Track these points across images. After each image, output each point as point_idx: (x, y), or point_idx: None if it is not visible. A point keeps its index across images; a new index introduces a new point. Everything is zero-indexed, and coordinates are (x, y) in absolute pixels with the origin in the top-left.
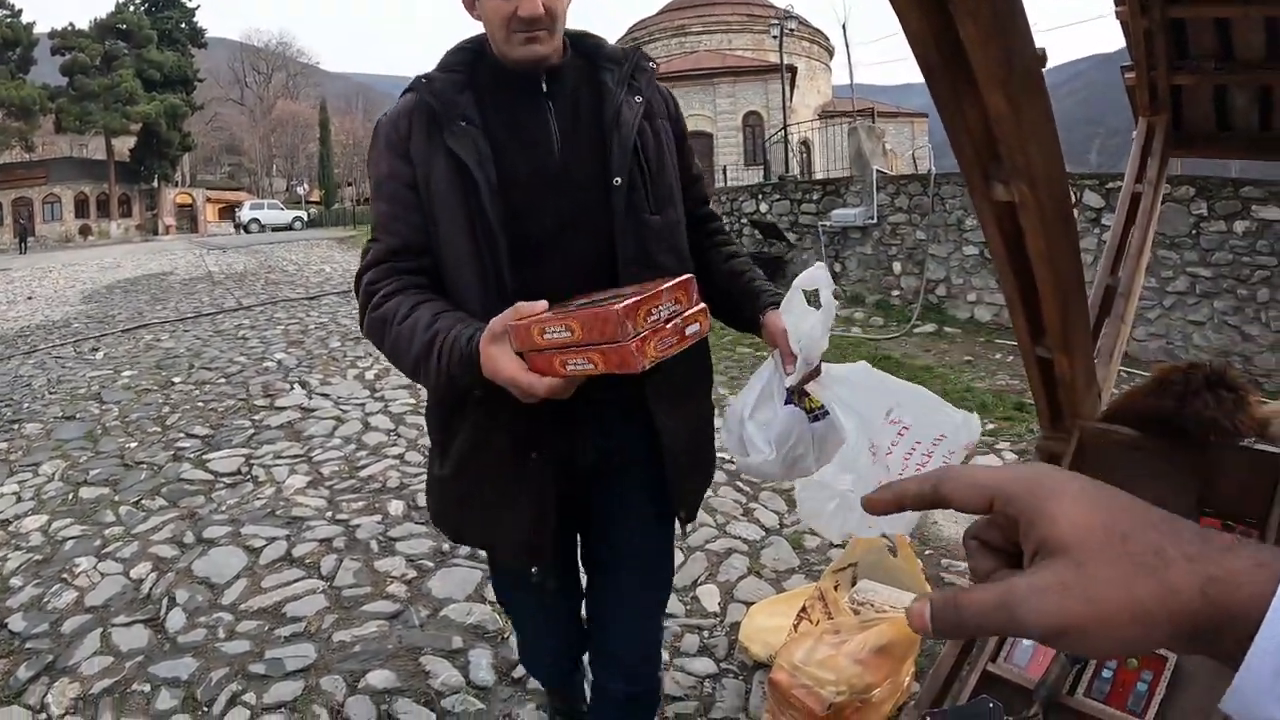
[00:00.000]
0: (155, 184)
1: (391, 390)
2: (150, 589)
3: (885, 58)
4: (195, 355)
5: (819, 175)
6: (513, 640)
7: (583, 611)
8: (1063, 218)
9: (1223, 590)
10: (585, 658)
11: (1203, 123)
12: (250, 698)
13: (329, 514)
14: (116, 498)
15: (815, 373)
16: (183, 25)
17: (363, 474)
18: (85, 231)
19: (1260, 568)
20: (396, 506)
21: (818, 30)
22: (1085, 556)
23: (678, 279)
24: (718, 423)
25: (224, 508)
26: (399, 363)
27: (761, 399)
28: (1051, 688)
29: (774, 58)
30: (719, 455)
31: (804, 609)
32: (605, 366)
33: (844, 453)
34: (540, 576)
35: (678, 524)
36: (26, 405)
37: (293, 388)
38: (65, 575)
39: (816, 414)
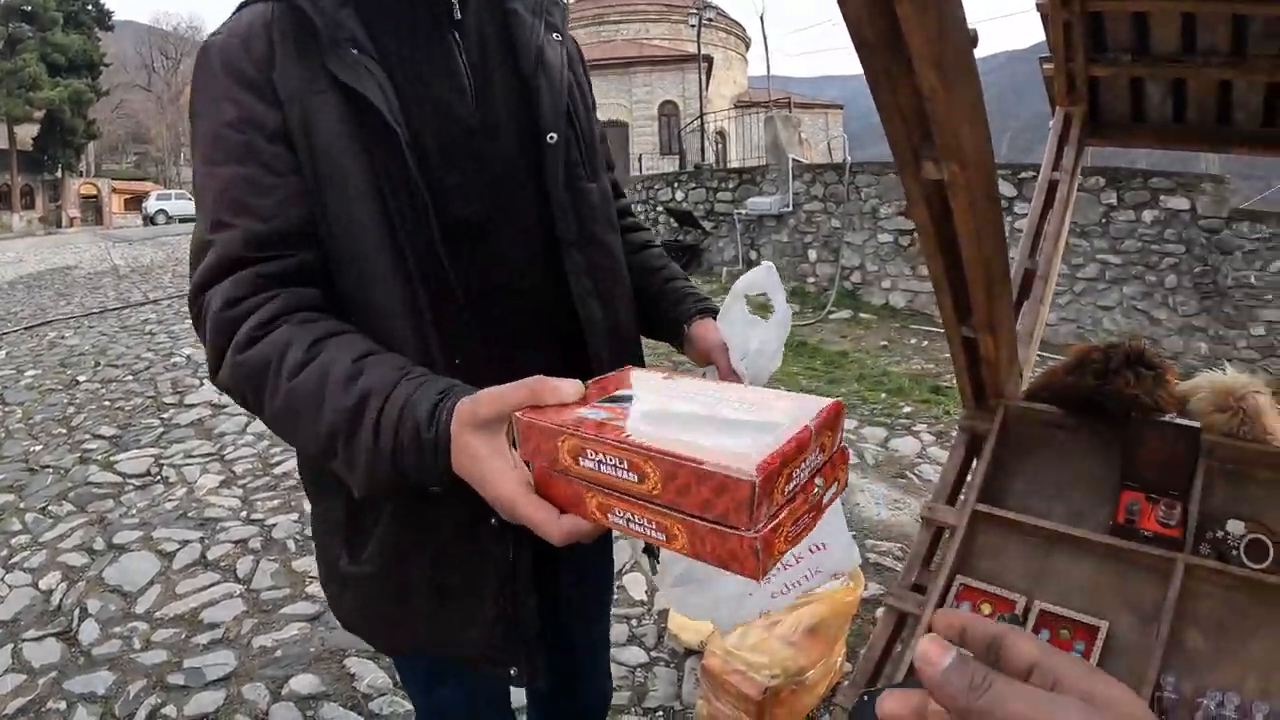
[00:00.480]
0: (59, 174)
1: None
2: (61, 600)
3: (803, 49)
4: (101, 352)
5: (734, 164)
6: None
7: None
8: (990, 198)
9: None
10: None
11: (1118, 113)
12: (171, 710)
13: (243, 514)
14: (22, 504)
15: None
16: (89, 7)
17: (277, 471)
18: None
19: None
20: None
21: (735, 21)
22: None
23: (827, 403)
24: None
25: (134, 511)
26: (292, 434)
27: None
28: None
29: (691, 47)
30: None
31: None
32: (692, 550)
33: None
34: (524, 676)
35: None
36: None
37: (202, 384)
38: None
39: None
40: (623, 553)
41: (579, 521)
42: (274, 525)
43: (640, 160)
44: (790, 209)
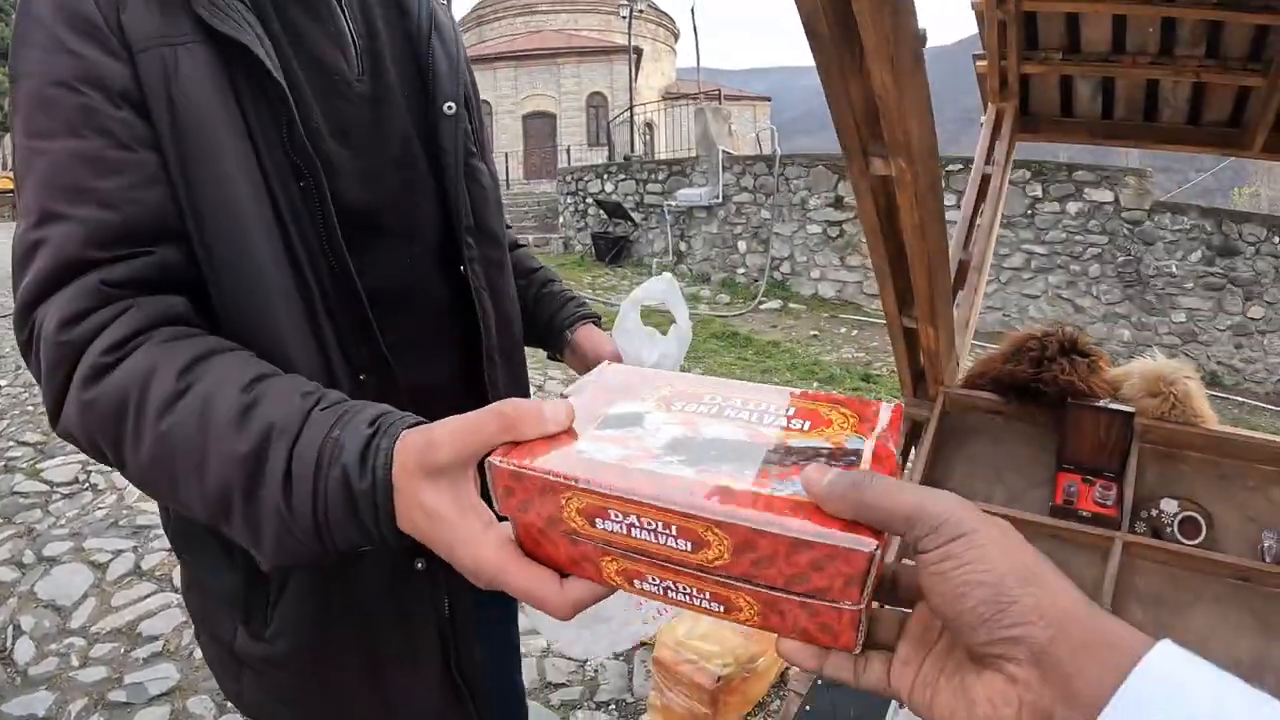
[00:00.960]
0: None
1: None
2: None
3: (731, 42)
4: (21, 355)
5: (663, 156)
6: None
7: None
8: (934, 193)
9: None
10: None
11: (1048, 109)
12: None
13: None
14: None
15: None
16: None
17: None
18: None
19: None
20: None
21: (664, 13)
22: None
23: (889, 410)
24: None
25: (64, 520)
26: (169, 493)
27: None
28: None
29: (620, 39)
30: None
31: None
32: (762, 623)
33: None
34: None
35: None
36: None
37: None
38: None
39: None
40: None
41: (590, 588)
42: None
43: (569, 152)
44: (720, 200)
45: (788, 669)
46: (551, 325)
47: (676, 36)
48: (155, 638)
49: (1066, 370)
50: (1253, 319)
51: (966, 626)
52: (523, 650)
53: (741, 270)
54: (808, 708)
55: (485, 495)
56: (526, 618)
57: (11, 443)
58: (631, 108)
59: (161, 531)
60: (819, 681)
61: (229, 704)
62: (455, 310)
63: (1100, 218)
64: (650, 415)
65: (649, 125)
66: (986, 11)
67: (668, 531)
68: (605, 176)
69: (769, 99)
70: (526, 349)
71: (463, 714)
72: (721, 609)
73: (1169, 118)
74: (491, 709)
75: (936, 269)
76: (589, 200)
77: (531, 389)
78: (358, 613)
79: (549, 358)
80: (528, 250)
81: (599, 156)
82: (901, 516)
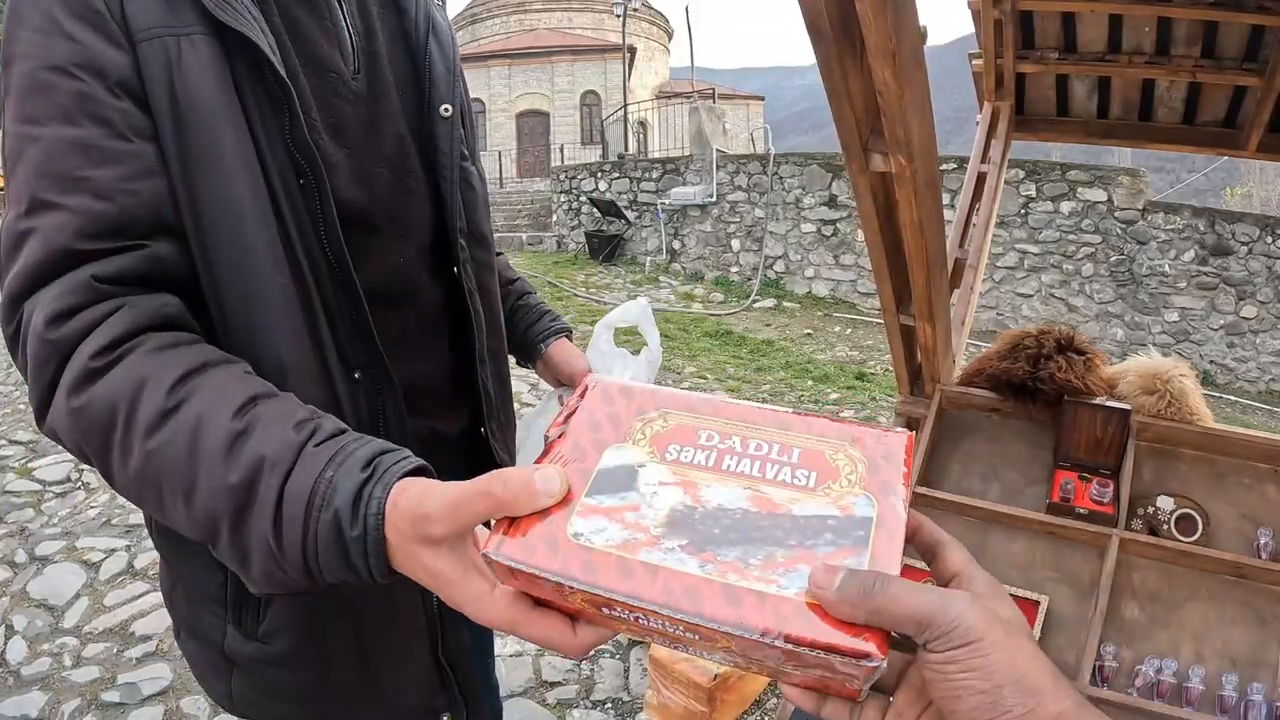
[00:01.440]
0: None
1: None
2: None
3: (725, 41)
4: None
5: (656, 155)
6: None
7: None
8: (933, 190)
9: None
10: None
11: (1044, 108)
12: None
13: None
14: None
15: None
16: None
17: None
18: None
19: None
20: None
21: (658, 12)
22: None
23: (901, 446)
24: None
25: (56, 520)
26: (155, 508)
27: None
28: None
29: (614, 37)
30: None
31: None
32: (774, 678)
33: None
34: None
35: None
36: None
37: None
38: None
39: None
40: None
41: (599, 632)
42: None
43: (563, 150)
44: (714, 199)
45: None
46: (527, 337)
47: (670, 35)
48: (148, 637)
49: (1063, 368)
50: (1245, 318)
51: None
52: (518, 649)
53: (735, 269)
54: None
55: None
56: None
57: (3, 441)
58: (625, 106)
59: None
60: None
61: None
62: (446, 311)
63: (1094, 217)
64: (644, 470)
65: (643, 124)
66: (983, 11)
67: (677, 629)
68: (599, 175)
69: (762, 98)
70: None
71: (449, 697)
72: (733, 664)
73: (1164, 117)
74: (475, 690)
75: (934, 266)
76: (583, 199)
77: (525, 387)
78: (349, 607)
79: (517, 363)
80: (504, 259)
81: (593, 155)
82: (913, 623)
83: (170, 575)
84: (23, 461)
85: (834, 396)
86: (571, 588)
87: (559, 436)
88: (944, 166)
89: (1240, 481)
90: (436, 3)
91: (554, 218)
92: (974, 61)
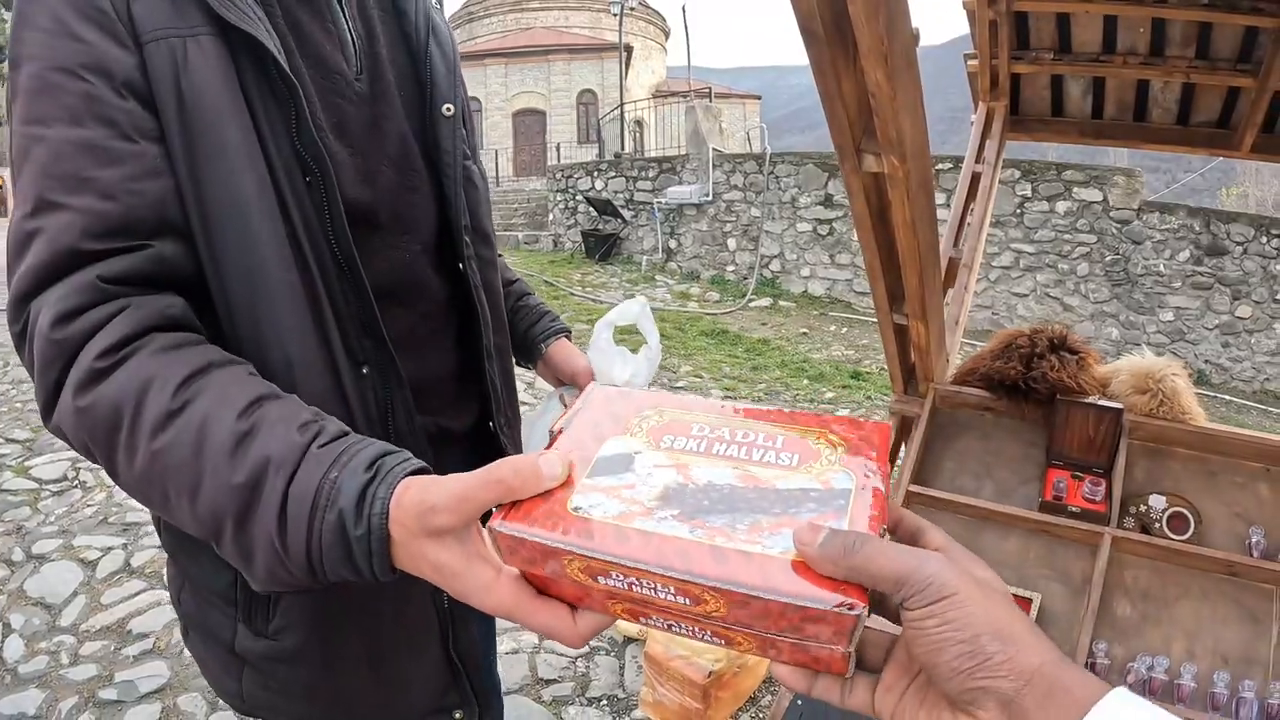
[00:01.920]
0: None
1: None
2: None
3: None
4: (10, 352)
5: (653, 154)
6: None
7: None
8: (925, 190)
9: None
10: None
11: (1038, 109)
12: None
13: None
14: None
15: None
16: None
17: None
18: None
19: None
20: None
21: (655, 11)
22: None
23: (879, 434)
24: None
25: (53, 518)
26: (160, 506)
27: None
28: None
29: (611, 36)
30: None
31: None
32: (760, 654)
33: None
34: (468, 716)
35: None
36: None
37: None
38: None
39: None
40: None
41: (599, 620)
42: None
43: (559, 149)
44: (710, 198)
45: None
46: (528, 337)
47: (667, 34)
48: (145, 635)
49: (1056, 367)
50: (1240, 318)
51: (943, 676)
52: (514, 646)
53: (731, 268)
54: (799, 702)
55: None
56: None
57: (0, 440)
58: (622, 105)
59: (151, 528)
60: None
61: (220, 702)
62: (451, 308)
63: (1089, 217)
64: (641, 456)
65: (639, 123)
66: (978, 11)
67: (667, 590)
68: (595, 174)
69: (759, 97)
70: None
71: (461, 695)
72: (722, 643)
73: (1159, 118)
74: (484, 685)
75: (927, 266)
76: (579, 197)
77: (521, 386)
78: (360, 603)
79: (516, 363)
80: (503, 260)
81: (589, 154)
82: (891, 579)
83: (179, 574)
84: (19, 460)
85: (829, 395)
86: (571, 553)
87: (560, 431)
88: (939, 166)
89: (1232, 480)
90: (434, 4)
91: (550, 217)
92: (969, 62)
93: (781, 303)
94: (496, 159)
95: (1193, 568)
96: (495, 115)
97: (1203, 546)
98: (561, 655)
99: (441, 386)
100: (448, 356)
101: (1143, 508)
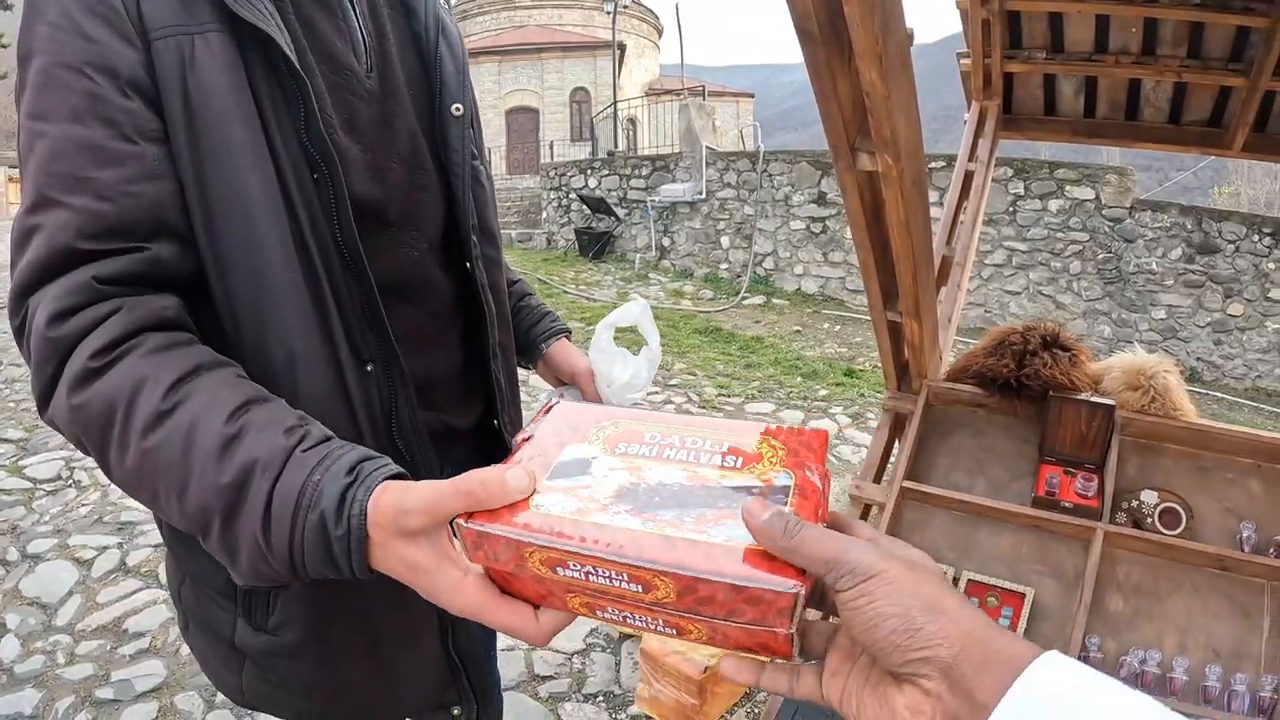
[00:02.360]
0: None
1: None
2: None
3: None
4: (3, 350)
5: (646, 152)
6: None
7: None
8: (919, 189)
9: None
10: None
11: (1031, 107)
12: None
13: None
14: None
15: None
16: None
17: None
18: None
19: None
20: None
21: (648, 9)
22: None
23: (817, 440)
24: None
25: (47, 518)
26: (149, 501)
27: None
28: None
29: (604, 34)
30: None
31: None
32: (710, 642)
33: None
34: (469, 714)
35: None
36: None
37: None
38: None
39: None
40: None
41: (560, 617)
42: None
43: (552, 147)
44: (704, 196)
45: (773, 659)
46: (528, 337)
47: (660, 32)
48: (142, 634)
49: (1048, 364)
50: (1232, 316)
51: (882, 651)
52: (511, 643)
53: (725, 266)
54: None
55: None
56: None
57: None
58: (615, 103)
59: (146, 527)
60: None
61: (217, 699)
62: (457, 306)
63: (1081, 215)
64: (597, 460)
65: (632, 121)
66: (970, 10)
67: (620, 577)
68: (589, 172)
69: (752, 95)
70: None
71: (459, 691)
72: (674, 632)
73: (1150, 117)
74: (485, 685)
75: (921, 264)
76: (572, 196)
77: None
78: (359, 598)
79: (518, 365)
80: (506, 261)
81: (582, 152)
82: (822, 560)
83: (178, 570)
84: (13, 460)
85: (823, 393)
86: (531, 545)
87: (525, 440)
88: (932, 165)
89: (1224, 476)
90: (444, 5)
91: (543, 215)
92: (962, 61)
93: (775, 300)
94: (489, 157)
95: (1184, 562)
96: (488, 113)
97: (1194, 541)
98: (558, 652)
99: (447, 384)
100: (454, 355)
101: (1135, 503)
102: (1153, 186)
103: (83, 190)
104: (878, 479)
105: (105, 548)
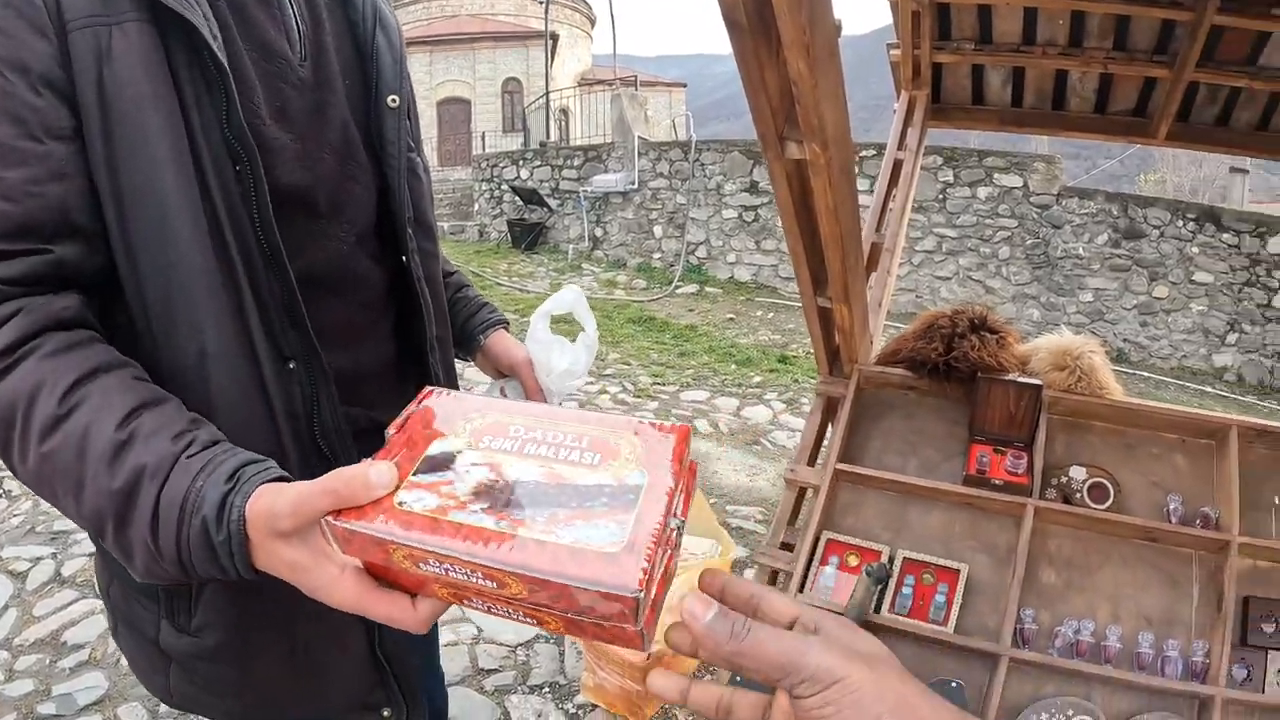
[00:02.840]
0: None
1: None
2: None
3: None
4: None
5: (578, 142)
6: None
7: None
8: (847, 176)
9: None
10: None
11: (959, 97)
12: None
13: None
14: None
15: None
16: None
17: None
18: None
19: None
20: None
21: None
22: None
23: (674, 436)
24: None
25: None
26: (51, 500)
27: None
28: (860, 607)
29: (536, 24)
30: None
31: None
32: (568, 633)
33: None
34: (400, 714)
35: None
36: None
37: None
38: None
39: None
40: None
41: (436, 605)
42: None
43: (484, 138)
44: (636, 186)
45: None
46: (466, 329)
47: (593, 23)
48: (81, 646)
49: (976, 346)
50: (1157, 298)
51: None
52: (454, 638)
53: (658, 255)
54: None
55: None
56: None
57: None
58: (547, 94)
59: (80, 536)
60: None
61: (160, 710)
62: (389, 298)
63: (1010, 202)
64: (461, 456)
65: (564, 111)
66: (900, 2)
67: (476, 575)
68: (521, 163)
69: (684, 85)
70: None
71: (387, 693)
72: (535, 623)
73: (1077, 106)
74: (414, 687)
75: (850, 250)
76: (504, 187)
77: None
78: (281, 601)
79: (455, 356)
80: (442, 255)
81: (514, 143)
82: (776, 666)
83: (106, 570)
84: None
85: (757, 379)
86: (394, 543)
87: (397, 431)
88: (862, 153)
89: (1149, 451)
90: None
91: (476, 206)
92: (891, 51)
93: (708, 289)
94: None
95: (1114, 535)
96: (420, 104)
97: (1123, 515)
98: (501, 645)
99: (378, 379)
100: (385, 348)
101: (1064, 479)
102: (1080, 174)
103: None
104: (811, 462)
105: (40, 558)
